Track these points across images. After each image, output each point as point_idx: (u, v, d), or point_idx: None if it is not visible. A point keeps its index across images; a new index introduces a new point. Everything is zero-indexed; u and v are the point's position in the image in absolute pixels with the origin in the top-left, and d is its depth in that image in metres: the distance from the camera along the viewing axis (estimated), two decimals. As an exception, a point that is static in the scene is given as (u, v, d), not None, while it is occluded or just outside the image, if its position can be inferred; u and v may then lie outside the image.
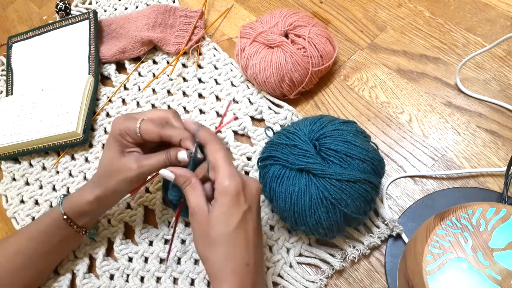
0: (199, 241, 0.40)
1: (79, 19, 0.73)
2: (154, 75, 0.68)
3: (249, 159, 0.57)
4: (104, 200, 0.48)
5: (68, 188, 0.61)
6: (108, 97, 0.68)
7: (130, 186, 0.47)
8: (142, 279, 0.52)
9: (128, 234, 0.56)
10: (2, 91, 0.75)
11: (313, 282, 0.48)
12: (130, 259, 0.54)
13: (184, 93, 0.66)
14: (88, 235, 0.53)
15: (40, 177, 0.63)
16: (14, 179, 0.65)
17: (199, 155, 0.44)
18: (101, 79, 0.70)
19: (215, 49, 0.68)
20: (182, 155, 0.43)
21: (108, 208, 0.52)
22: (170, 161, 0.44)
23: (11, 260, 0.48)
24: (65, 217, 0.48)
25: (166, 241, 0.54)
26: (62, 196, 0.50)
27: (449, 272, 0.35)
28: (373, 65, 0.62)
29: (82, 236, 0.51)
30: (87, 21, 0.73)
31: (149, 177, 0.48)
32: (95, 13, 0.73)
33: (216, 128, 0.57)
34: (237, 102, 0.62)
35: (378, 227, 0.49)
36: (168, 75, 0.67)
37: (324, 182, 0.42)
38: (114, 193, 0.48)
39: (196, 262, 0.52)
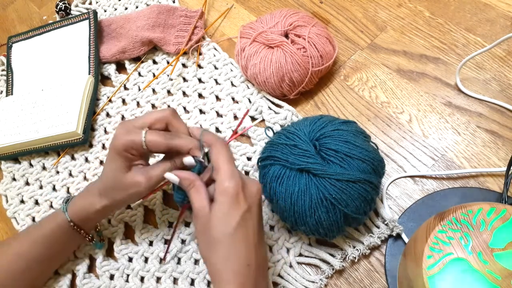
0: (201, 242, 0.41)
1: (79, 19, 0.73)
2: (154, 75, 0.68)
3: (249, 159, 0.57)
4: (112, 209, 0.49)
5: (68, 188, 0.61)
6: (108, 97, 0.68)
7: (139, 197, 0.48)
8: (142, 279, 0.52)
9: (128, 234, 0.56)
10: (2, 91, 0.75)
11: (313, 282, 0.48)
12: (130, 259, 0.54)
13: (184, 93, 0.66)
14: (97, 247, 0.54)
15: (40, 177, 0.63)
16: (14, 179, 0.65)
17: (206, 163, 0.43)
18: (101, 79, 0.70)
19: (215, 49, 0.68)
20: (189, 160, 0.43)
21: (114, 213, 0.55)
22: (176, 169, 0.44)
23: (13, 263, 0.48)
24: (71, 223, 0.48)
25: (166, 241, 0.54)
26: (65, 201, 0.49)
27: (449, 272, 0.35)
28: (373, 65, 0.62)
29: (86, 240, 0.52)
30: (87, 21, 0.73)
31: (161, 184, 0.48)
32: (95, 13, 0.73)
33: (231, 134, 0.57)
34: (237, 102, 0.62)
35: (378, 227, 0.49)
36: (168, 75, 0.67)
37: (324, 182, 0.42)
38: (123, 203, 0.49)
39: (196, 262, 0.52)
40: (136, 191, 0.45)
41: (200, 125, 0.61)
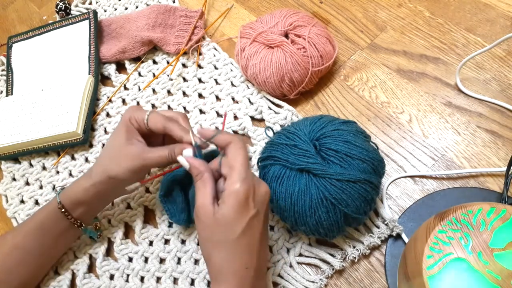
0: (203, 242, 0.40)
1: (79, 19, 0.73)
2: (154, 75, 0.68)
3: (249, 159, 0.57)
4: (101, 189, 0.48)
5: (68, 188, 0.61)
6: (108, 97, 0.68)
7: (130, 176, 0.47)
8: (142, 279, 0.52)
9: (128, 234, 0.56)
10: (2, 91, 0.75)
11: (313, 282, 0.48)
12: (130, 259, 0.54)
13: (184, 93, 0.66)
14: (88, 233, 0.53)
15: (40, 177, 0.63)
16: (14, 179, 0.65)
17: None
18: (101, 79, 0.70)
19: (215, 49, 0.68)
20: (187, 152, 0.43)
21: (104, 200, 0.52)
22: (173, 158, 0.45)
23: (8, 256, 0.48)
24: (59, 206, 0.48)
25: (166, 241, 0.54)
26: (60, 188, 0.50)
27: (449, 272, 0.35)
28: (373, 65, 0.62)
29: (78, 230, 0.51)
30: (87, 21, 0.73)
31: (165, 169, 0.48)
32: (95, 13, 0.73)
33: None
34: (237, 102, 0.62)
35: (378, 227, 0.49)
36: (168, 75, 0.67)
37: (325, 182, 0.42)
38: (113, 181, 0.47)
39: (196, 262, 0.52)
40: (129, 165, 0.46)
41: (216, 127, 0.61)
